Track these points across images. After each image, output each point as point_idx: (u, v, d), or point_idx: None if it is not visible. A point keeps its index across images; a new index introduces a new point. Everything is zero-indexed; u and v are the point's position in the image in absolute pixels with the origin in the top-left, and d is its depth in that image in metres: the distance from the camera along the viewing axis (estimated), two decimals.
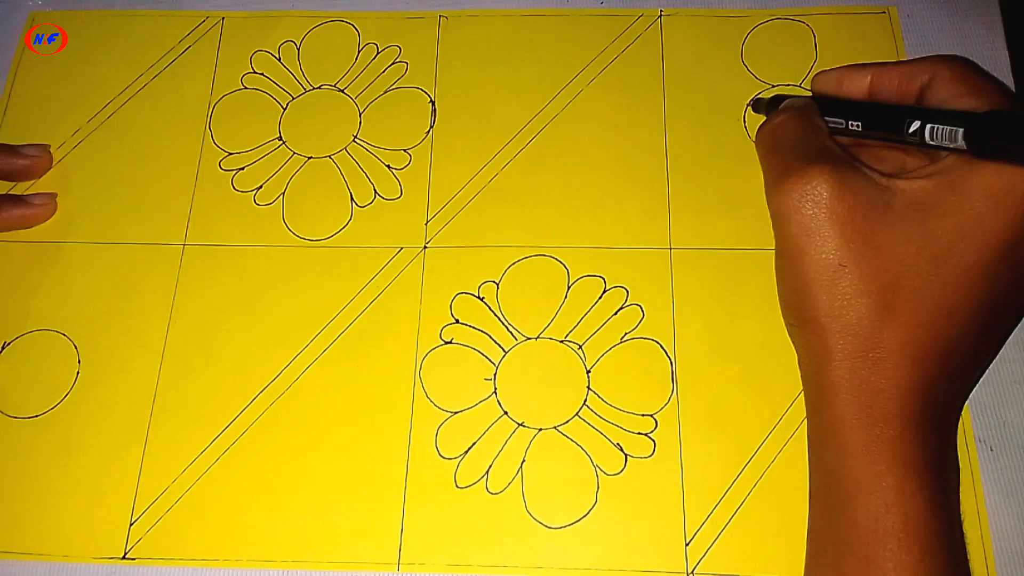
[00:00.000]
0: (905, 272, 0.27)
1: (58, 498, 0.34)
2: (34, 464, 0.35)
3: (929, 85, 0.31)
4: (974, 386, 0.33)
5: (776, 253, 0.30)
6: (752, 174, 0.38)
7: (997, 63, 0.39)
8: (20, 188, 0.40)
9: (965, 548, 0.28)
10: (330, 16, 0.43)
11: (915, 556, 0.26)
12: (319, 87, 0.41)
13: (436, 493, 0.34)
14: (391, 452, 0.34)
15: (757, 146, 0.33)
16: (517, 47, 0.41)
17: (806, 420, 0.31)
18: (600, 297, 0.36)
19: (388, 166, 0.40)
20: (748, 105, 0.39)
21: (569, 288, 0.37)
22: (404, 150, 0.40)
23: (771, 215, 0.30)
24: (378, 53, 0.42)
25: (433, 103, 0.41)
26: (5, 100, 0.42)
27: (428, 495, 0.34)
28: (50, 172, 0.40)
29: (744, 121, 0.39)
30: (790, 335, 0.31)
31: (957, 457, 0.33)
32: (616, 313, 0.36)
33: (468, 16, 0.42)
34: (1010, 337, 0.35)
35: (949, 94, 0.30)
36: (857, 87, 0.33)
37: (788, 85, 0.40)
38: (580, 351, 0.36)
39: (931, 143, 0.29)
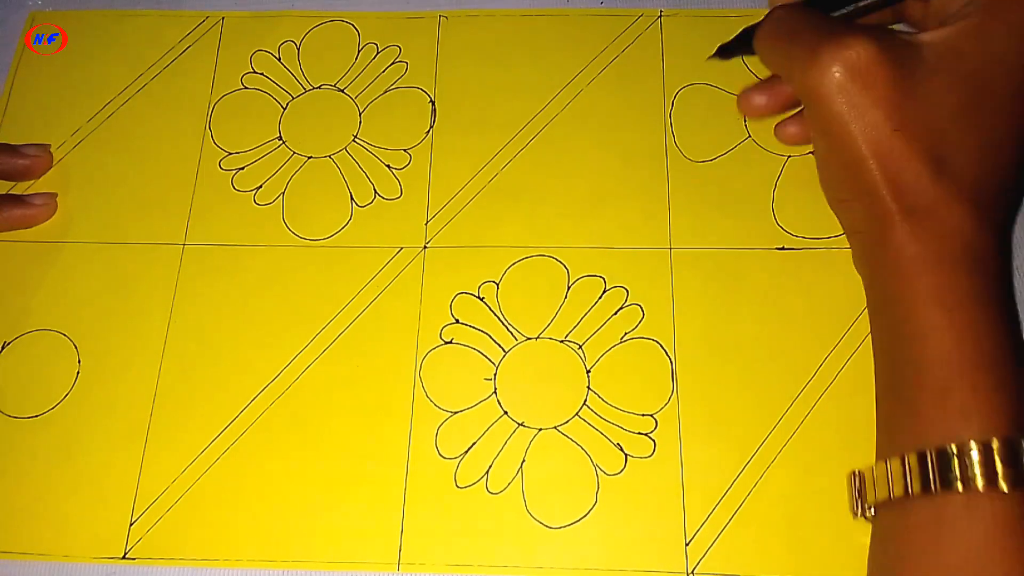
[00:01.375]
0: (949, 120, 0.28)
1: (58, 498, 0.34)
2: (34, 464, 0.35)
3: None
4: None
5: (816, 133, 0.31)
6: (752, 174, 0.38)
7: None
8: (20, 188, 0.40)
9: None
10: (330, 16, 0.43)
11: (993, 382, 0.26)
12: (319, 87, 0.41)
13: (436, 493, 0.34)
14: (391, 452, 0.34)
15: (762, 44, 0.33)
16: (517, 47, 0.41)
17: (866, 291, 0.31)
18: (600, 297, 0.36)
19: (388, 166, 0.40)
20: (713, 56, 0.38)
21: (569, 288, 0.37)
22: (404, 150, 0.40)
23: (806, 97, 0.30)
24: (378, 53, 0.42)
25: (433, 103, 0.41)
26: (5, 100, 0.42)
27: (428, 495, 0.34)
28: (50, 172, 0.40)
29: (744, 120, 0.39)
30: (837, 211, 0.32)
31: (1014, 292, 0.34)
32: (616, 313, 0.36)
33: (468, 16, 0.42)
34: None
35: None
36: None
37: None
38: (580, 351, 0.36)
39: None
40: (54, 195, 0.40)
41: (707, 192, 0.38)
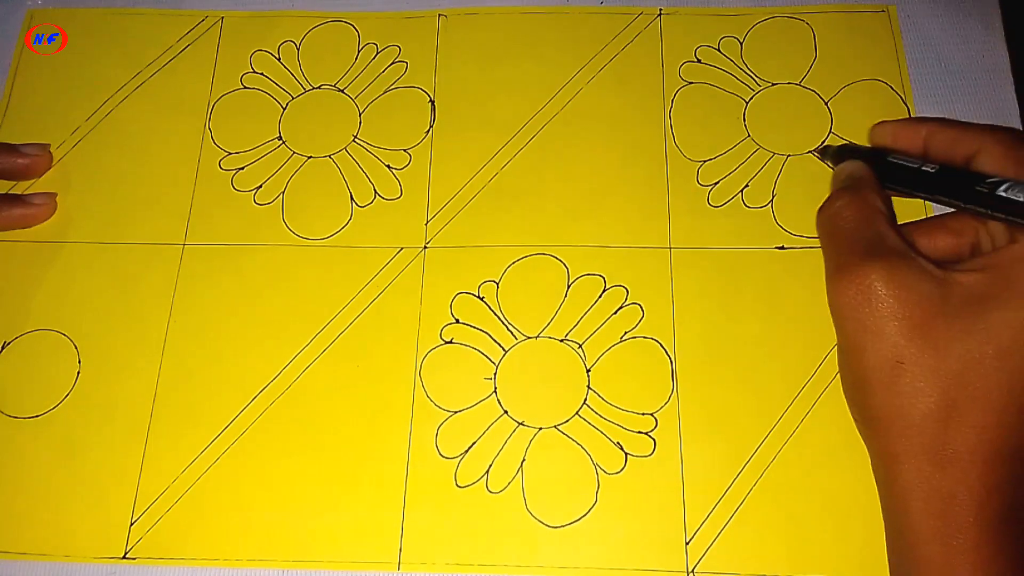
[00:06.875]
0: (968, 368, 0.26)
1: (58, 498, 0.34)
2: (34, 464, 0.35)
3: (975, 158, 0.29)
4: None
5: (838, 348, 0.30)
6: (752, 173, 0.38)
7: (997, 63, 0.39)
8: (20, 188, 0.40)
9: None
10: (330, 16, 0.43)
11: None
12: (319, 87, 0.41)
13: (436, 493, 0.34)
14: (391, 452, 0.34)
15: (818, 229, 0.32)
16: (516, 46, 0.41)
17: (883, 517, 0.29)
18: (600, 296, 0.36)
19: (388, 166, 0.40)
20: (815, 151, 0.38)
21: (569, 287, 0.37)
22: (404, 150, 0.40)
23: (830, 308, 0.29)
24: (378, 53, 0.42)
25: (433, 102, 0.41)
26: (5, 100, 0.42)
27: (428, 495, 0.34)
28: (50, 172, 0.40)
29: (744, 120, 0.39)
30: (859, 431, 0.30)
31: None
32: (616, 312, 0.36)
33: (467, 15, 0.42)
34: None
35: (994, 169, 0.29)
36: (912, 141, 0.32)
37: (788, 83, 0.40)
38: (580, 350, 0.36)
39: (1003, 198, 0.27)
40: (54, 195, 0.40)
41: (707, 191, 0.38)
